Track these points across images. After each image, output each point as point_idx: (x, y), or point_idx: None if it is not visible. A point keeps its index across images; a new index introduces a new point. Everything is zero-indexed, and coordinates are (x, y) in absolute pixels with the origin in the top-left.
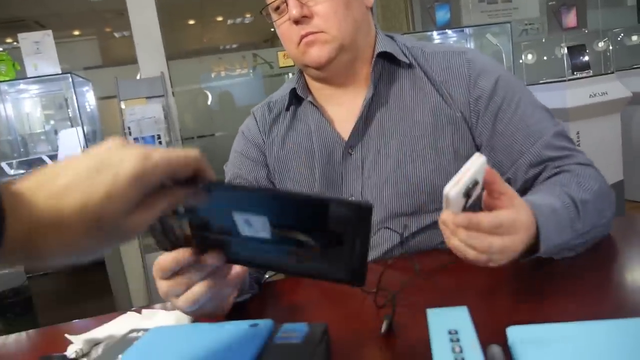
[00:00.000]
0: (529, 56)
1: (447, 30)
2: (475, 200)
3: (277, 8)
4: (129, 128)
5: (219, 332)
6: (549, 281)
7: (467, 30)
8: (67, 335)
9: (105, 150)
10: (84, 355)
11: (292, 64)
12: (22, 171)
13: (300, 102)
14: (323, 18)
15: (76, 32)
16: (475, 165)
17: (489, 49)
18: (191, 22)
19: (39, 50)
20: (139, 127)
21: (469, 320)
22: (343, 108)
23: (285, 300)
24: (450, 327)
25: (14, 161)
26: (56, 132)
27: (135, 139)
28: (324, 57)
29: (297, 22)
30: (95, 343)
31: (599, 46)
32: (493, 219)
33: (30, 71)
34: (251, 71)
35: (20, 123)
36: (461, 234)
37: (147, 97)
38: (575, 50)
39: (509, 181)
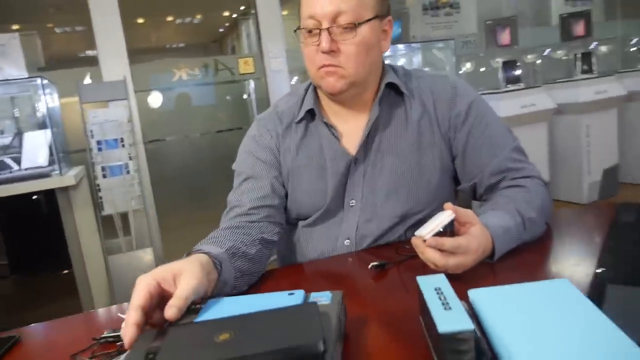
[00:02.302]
0: (468, 64)
1: (397, 45)
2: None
3: (311, 31)
4: (91, 131)
5: (268, 299)
6: (500, 259)
7: (415, 45)
8: (120, 315)
9: None
10: None
11: (251, 71)
12: None
13: (313, 119)
14: (346, 57)
15: (15, 27)
16: (445, 220)
17: (436, 61)
18: (140, 20)
19: (4, 53)
20: (102, 130)
21: (447, 282)
22: (348, 125)
23: (297, 281)
24: (435, 286)
25: None
26: (16, 135)
27: (99, 142)
28: (337, 88)
29: (322, 52)
30: None
31: (528, 58)
32: (452, 243)
33: None
34: (211, 76)
35: None
36: (427, 253)
37: (108, 101)
38: (508, 65)
39: (475, 185)
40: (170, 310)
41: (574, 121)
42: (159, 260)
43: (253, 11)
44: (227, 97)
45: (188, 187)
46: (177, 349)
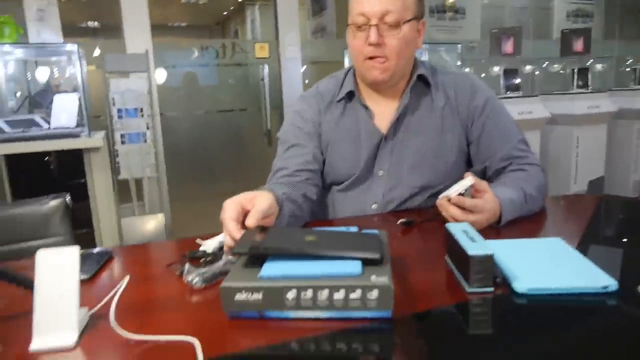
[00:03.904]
0: (469, 69)
1: None
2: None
3: (360, 27)
4: (113, 99)
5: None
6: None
7: (424, 45)
8: (198, 240)
9: None
10: (220, 249)
11: (266, 55)
12: (18, 129)
13: (351, 99)
14: (390, 50)
15: None
16: (466, 184)
17: (441, 63)
18: None
19: (43, 18)
20: (123, 99)
21: (470, 227)
22: (381, 107)
23: None
24: (462, 229)
25: (10, 119)
26: (35, 96)
27: (119, 110)
28: (380, 78)
29: (370, 44)
30: (222, 245)
31: (527, 69)
32: (471, 202)
33: (32, 37)
34: (228, 57)
35: (19, 85)
36: (451, 210)
37: (130, 72)
38: (509, 74)
39: (485, 168)
40: (250, 220)
41: (566, 132)
42: (168, 226)
43: None
44: (241, 79)
45: (197, 160)
46: (277, 240)
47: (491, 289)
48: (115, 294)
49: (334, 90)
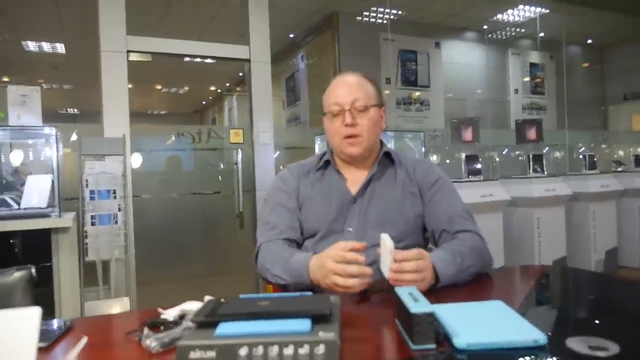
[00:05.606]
0: (434, 156)
1: None
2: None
3: (335, 114)
4: (86, 180)
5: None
6: (449, 290)
7: (389, 133)
8: (160, 309)
9: None
10: (181, 318)
11: (241, 140)
12: None
13: (327, 167)
14: (362, 128)
15: (5, 79)
16: (388, 244)
17: (407, 150)
18: (129, 85)
19: (25, 103)
20: (96, 181)
21: (415, 289)
22: (352, 175)
23: None
24: (408, 292)
25: None
26: (8, 178)
27: (92, 192)
28: (358, 152)
29: (346, 125)
30: (183, 314)
31: (488, 155)
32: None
33: (12, 120)
34: (204, 142)
35: None
36: (404, 277)
37: (106, 155)
38: (470, 159)
39: (433, 232)
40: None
41: (527, 213)
42: (133, 310)
43: (238, 88)
44: (215, 164)
45: (168, 242)
46: (233, 308)
47: (433, 346)
48: (71, 355)
49: (313, 162)
